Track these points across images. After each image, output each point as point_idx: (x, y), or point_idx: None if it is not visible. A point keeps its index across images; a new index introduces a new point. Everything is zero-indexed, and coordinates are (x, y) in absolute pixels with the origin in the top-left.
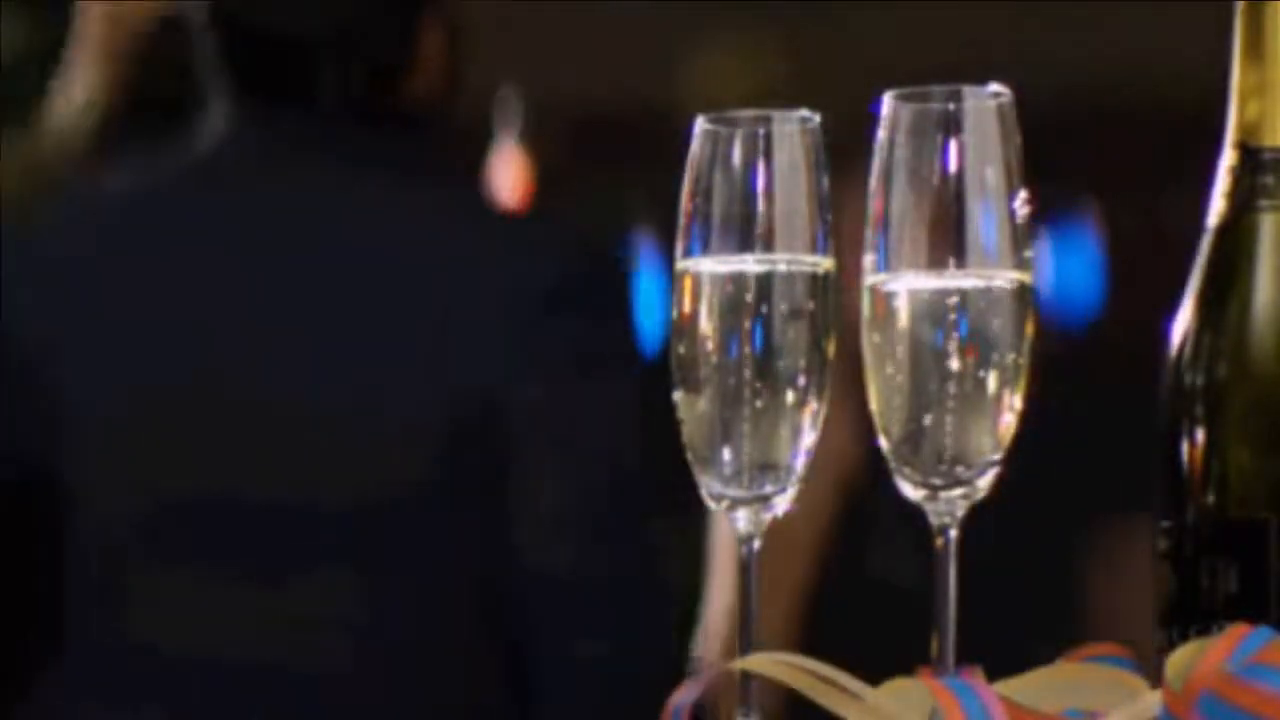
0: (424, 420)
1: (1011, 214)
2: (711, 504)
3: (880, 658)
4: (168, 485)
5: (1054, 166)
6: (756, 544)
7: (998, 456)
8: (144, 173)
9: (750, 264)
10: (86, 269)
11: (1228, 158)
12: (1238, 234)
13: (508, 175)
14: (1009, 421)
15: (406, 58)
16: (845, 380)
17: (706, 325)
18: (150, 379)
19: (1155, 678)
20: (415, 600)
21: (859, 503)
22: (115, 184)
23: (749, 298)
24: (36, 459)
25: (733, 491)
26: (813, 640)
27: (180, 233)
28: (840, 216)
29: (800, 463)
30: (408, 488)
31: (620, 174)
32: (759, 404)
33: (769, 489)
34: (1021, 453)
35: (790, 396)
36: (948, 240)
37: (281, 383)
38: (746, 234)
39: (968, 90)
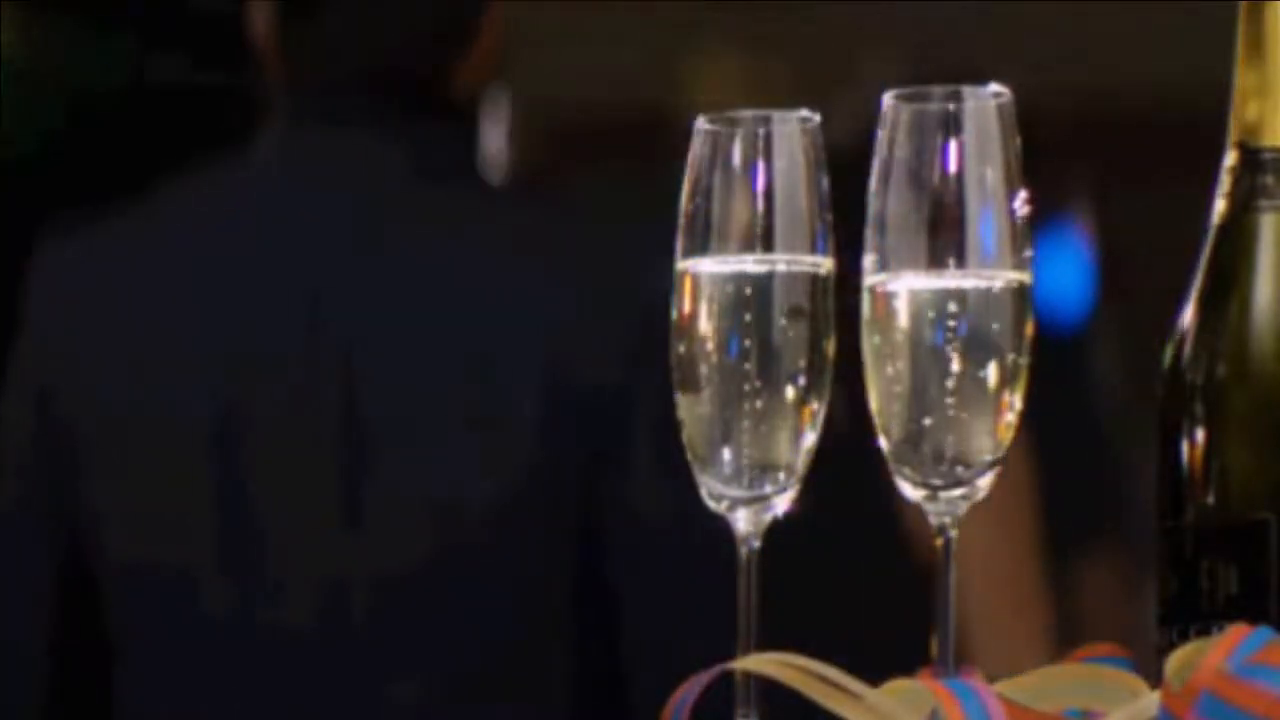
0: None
1: (1011, 214)
2: (712, 504)
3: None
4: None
5: (1054, 166)
6: (756, 544)
7: (998, 456)
8: (202, 192)
9: (750, 264)
10: (135, 299)
11: (1228, 158)
12: (1238, 234)
13: (496, 174)
14: (1009, 421)
15: (470, 45)
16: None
17: (706, 325)
18: (189, 402)
19: (1155, 678)
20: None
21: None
22: (171, 206)
23: (749, 298)
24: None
25: (733, 492)
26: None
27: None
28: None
29: (800, 463)
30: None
31: (617, 174)
32: (759, 404)
33: (769, 489)
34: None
35: (790, 397)
36: (947, 240)
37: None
38: (746, 234)
39: (968, 90)
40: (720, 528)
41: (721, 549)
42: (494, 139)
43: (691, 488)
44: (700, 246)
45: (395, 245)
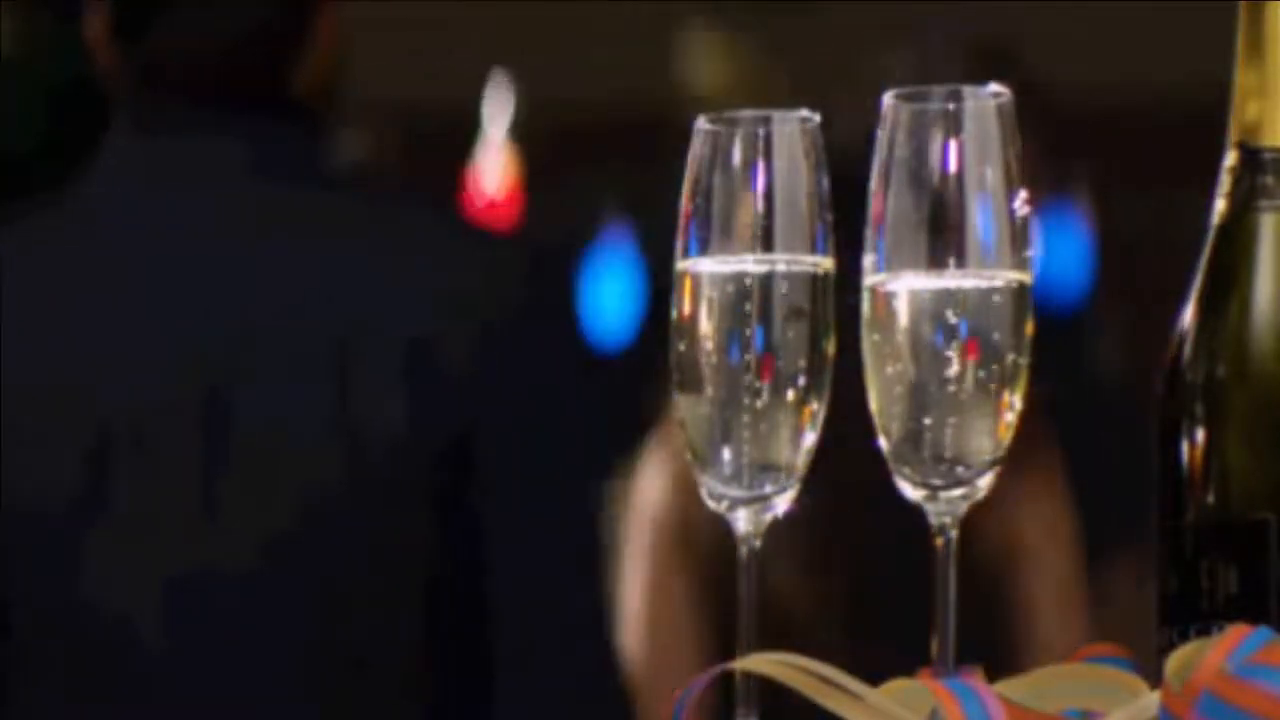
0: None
1: (1011, 214)
2: (711, 504)
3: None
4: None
5: (1054, 166)
6: (756, 544)
7: (997, 456)
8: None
9: (750, 264)
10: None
11: (1228, 158)
12: (1238, 234)
13: (496, 173)
14: (1009, 421)
15: (306, 46)
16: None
17: (706, 325)
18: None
19: (1155, 678)
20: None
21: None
22: (24, 215)
23: (749, 298)
24: None
25: (733, 492)
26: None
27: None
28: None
29: (800, 462)
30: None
31: (614, 173)
32: (759, 404)
33: (769, 489)
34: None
35: (790, 397)
36: (948, 240)
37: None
38: (746, 234)
39: (968, 90)
40: (593, 524)
41: (594, 546)
42: (494, 135)
43: (560, 484)
44: (700, 246)
45: (241, 246)
